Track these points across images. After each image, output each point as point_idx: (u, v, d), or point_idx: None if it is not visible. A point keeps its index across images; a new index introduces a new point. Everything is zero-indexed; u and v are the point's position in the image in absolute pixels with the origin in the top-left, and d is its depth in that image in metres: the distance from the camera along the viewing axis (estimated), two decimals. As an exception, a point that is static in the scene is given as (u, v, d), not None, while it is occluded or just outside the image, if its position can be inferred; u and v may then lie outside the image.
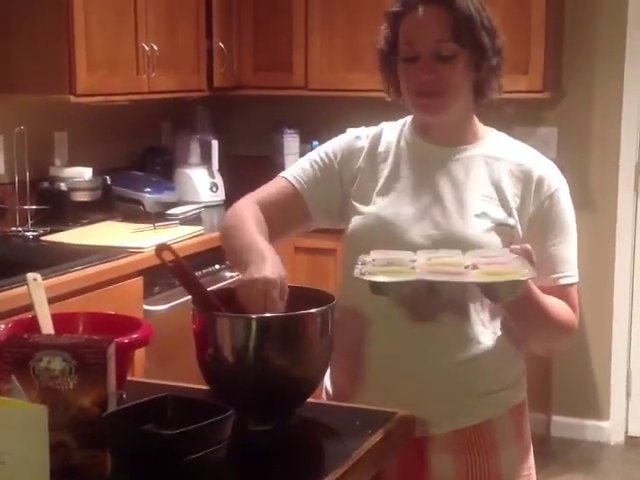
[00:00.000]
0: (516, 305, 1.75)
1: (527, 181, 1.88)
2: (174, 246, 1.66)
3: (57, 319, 1.66)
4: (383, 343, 1.87)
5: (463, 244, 1.79)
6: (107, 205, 3.80)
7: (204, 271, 3.45)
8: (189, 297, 1.64)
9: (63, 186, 3.63)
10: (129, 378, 1.65)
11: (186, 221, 3.83)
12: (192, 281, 1.64)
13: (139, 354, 2.84)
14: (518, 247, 1.74)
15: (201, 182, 4.30)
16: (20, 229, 3.50)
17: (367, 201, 1.92)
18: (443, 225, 1.86)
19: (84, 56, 3.38)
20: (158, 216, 3.75)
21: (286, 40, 4.26)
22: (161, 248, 1.61)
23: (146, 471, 1.31)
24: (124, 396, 1.54)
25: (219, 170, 4.37)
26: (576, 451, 4.36)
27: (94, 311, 1.81)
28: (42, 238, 3.42)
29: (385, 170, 1.94)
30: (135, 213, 3.79)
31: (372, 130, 2.00)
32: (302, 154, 4.52)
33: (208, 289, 1.66)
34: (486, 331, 1.87)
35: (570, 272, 1.90)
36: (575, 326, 1.91)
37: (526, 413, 1.98)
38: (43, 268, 2.55)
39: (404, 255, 1.73)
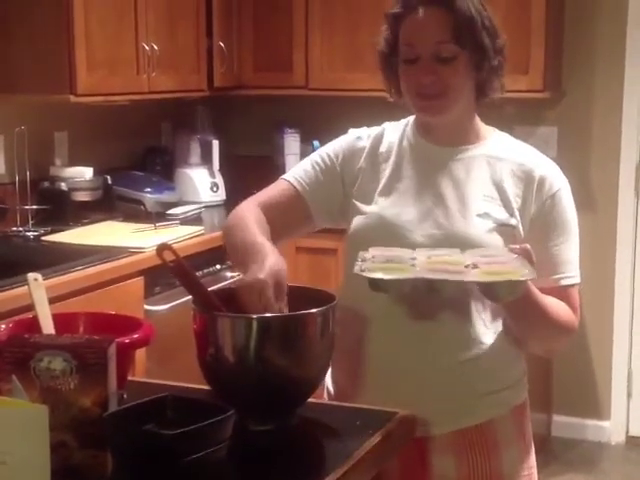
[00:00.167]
0: (515, 305, 1.75)
1: (529, 181, 1.88)
2: (175, 246, 1.66)
3: (58, 319, 1.66)
4: (384, 342, 1.87)
5: (465, 244, 1.79)
6: (108, 205, 3.80)
7: (205, 271, 3.45)
8: (190, 297, 1.64)
9: (64, 186, 3.63)
10: (130, 378, 1.65)
11: (187, 221, 3.83)
12: (193, 281, 1.64)
13: (140, 354, 2.84)
14: (517, 247, 1.74)
15: (201, 182, 4.30)
16: (21, 229, 3.50)
17: (369, 201, 1.92)
18: (445, 225, 1.85)
19: (84, 56, 3.38)
20: (159, 216, 3.76)
21: (286, 39, 4.26)
22: (162, 248, 1.61)
23: (147, 471, 1.31)
24: (125, 396, 1.54)
25: (219, 170, 4.37)
26: (577, 451, 4.36)
27: (95, 311, 1.81)
28: (43, 238, 3.42)
29: (387, 170, 1.94)
30: (136, 213, 3.80)
31: (374, 130, 2.00)
32: (302, 154, 4.55)
33: (209, 289, 1.66)
34: (488, 331, 1.86)
35: (571, 273, 1.90)
36: (575, 327, 1.90)
37: (527, 413, 1.98)
38: (44, 268, 2.55)
39: (403, 252, 1.73)
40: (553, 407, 4.46)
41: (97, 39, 3.45)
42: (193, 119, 4.44)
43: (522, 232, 1.87)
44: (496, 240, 1.83)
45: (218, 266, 3.54)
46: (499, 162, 1.90)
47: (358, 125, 2.04)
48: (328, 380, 1.97)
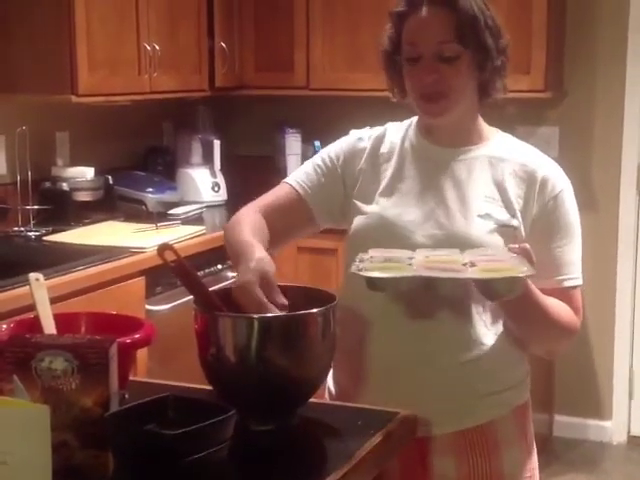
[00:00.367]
0: (514, 305, 1.74)
1: (531, 182, 1.88)
2: (176, 246, 1.66)
3: (59, 319, 1.66)
4: (384, 342, 1.86)
5: (466, 245, 1.78)
6: (109, 205, 3.80)
7: (206, 271, 3.45)
8: (191, 297, 1.64)
9: (65, 186, 3.64)
10: (131, 378, 1.65)
11: (188, 221, 3.84)
12: (194, 281, 1.64)
13: (141, 354, 2.84)
14: (517, 246, 1.73)
15: (203, 182, 4.30)
16: (22, 229, 3.50)
17: (370, 201, 1.92)
18: (446, 225, 1.85)
19: (85, 56, 3.38)
20: (160, 216, 3.76)
21: (287, 40, 4.26)
22: (163, 248, 1.61)
23: (148, 471, 1.31)
24: (126, 396, 1.54)
25: (221, 170, 4.37)
26: (578, 451, 4.36)
27: (96, 311, 1.81)
28: (44, 238, 3.43)
29: (388, 171, 1.94)
30: (137, 213, 3.80)
31: (375, 131, 2.00)
32: (304, 154, 4.55)
33: (210, 289, 1.66)
34: (488, 332, 1.86)
35: (574, 274, 1.89)
36: (577, 329, 1.89)
37: (529, 414, 1.97)
38: (45, 268, 2.55)
39: (402, 253, 1.73)
40: (555, 407, 4.46)
41: (98, 39, 3.45)
42: (194, 119, 4.44)
43: (524, 233, 1.86)
44: (497, 241, 1.83)
45: (219, 266, 3.54)
46: (501, 163, 1.90)
47: (359, 125, 2.04)
48: (330, 380, 1.97)
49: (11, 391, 1.34)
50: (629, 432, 4.45)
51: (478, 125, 1.95)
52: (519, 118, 4.16)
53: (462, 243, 1.79)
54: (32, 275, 1.68)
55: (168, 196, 3.97)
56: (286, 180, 2.00)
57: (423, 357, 1.84)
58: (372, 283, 1.64)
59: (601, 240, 4.26)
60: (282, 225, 1.93)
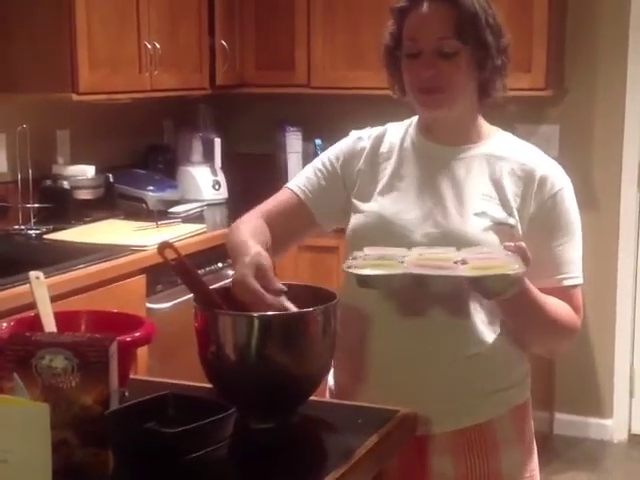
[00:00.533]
0: (512, 303, 1.74)
1: (529, 180, 1.87)
2: (176, 244, 1.66)
3: (59, 317, 1.66)
4: (384, 341, 1.86)
5: (462, 243, 1.78)
6: (110, 203, 3.80)
7: (206, 269, 3.44)
8: (191, 295, 1.64)
9: (66, 184, 3.63)
10: (131, 376, 1.66)
11: (188, 219, 3.84)
12: (194, 279, 1.64)
13: (141, 352, 2.84)
14: (513, 245, 1.72)
15: (204, 180, 4.30)
16: (23, 227, 3.50)
17: (368, 199, 1.92)
18: (443, 224, 1.85)
19: (86, 54, 3.38)
20: (161, 214, 3.76)
21: (288, 38, 4.26)
22: (164, 246, 1.61)
23: (148, 469, 1.31)
24: (126, 394, 1.54)
25: (222, 168, 4.37)
26: (579, 449, 4.36)
27: (96, 309, 1.81)
28: (45, 236, 3.43)
29: (387, 169, 1.94)
30: (138, 211, 3.80)
31: (375, 131, 2.00)
32: (304, 152, 4.55)
33: (210, 287, 1.66)
34: (487, 331, 1.86)
35: (574, 273, 1.88)
36: (577, 328, 1.89)
37: (529, 414, 1.97)
38: (46, 266, 2.55)
39: (397, 251, 1.73)
40: (555, 405, 4.46)
41: (99, 37, 3.45)
42: (195, 117, 4.44)
43: (521, 231, 1.86)
44: (493, 239, 1.82)
45: (220, 264, 3.54)
46: (500, 161, 1.90)
47: (360, 123, 2.04)
48: (330, 378, 1.97)
49: (11, 389, 1.34)
50: (630, 430, 4.45)
51: (478, 124, 1.94)
52: (519, 116, 4.16)
53: (458, 241, 1.79)
54: (32, 273, 1.68)
55: (169, 194, 3.97)
56: (287, 185, 2.02)
57: (422, 355, 1.84)
58: (363, 281, 1.64)
59: (602, 238, 4.26)
60: (284, 230, 1.95)
